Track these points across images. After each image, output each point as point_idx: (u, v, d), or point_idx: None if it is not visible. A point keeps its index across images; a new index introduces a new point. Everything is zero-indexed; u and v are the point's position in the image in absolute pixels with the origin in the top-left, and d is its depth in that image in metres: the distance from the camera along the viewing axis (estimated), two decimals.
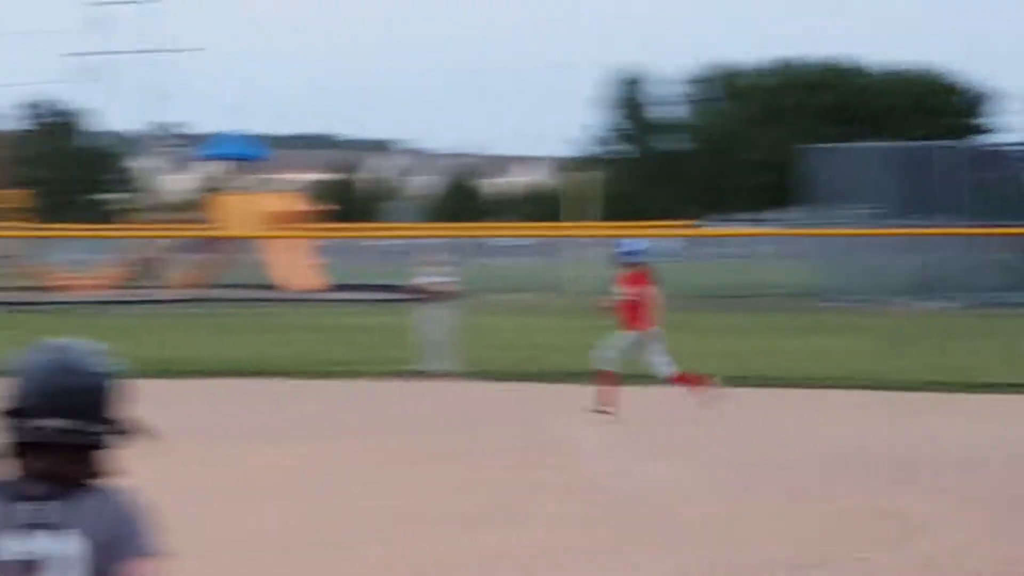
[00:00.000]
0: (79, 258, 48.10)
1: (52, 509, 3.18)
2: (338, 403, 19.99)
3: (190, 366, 23.65)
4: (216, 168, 56.39)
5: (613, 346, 17.29)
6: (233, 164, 55.83)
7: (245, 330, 32.72)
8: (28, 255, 45.32)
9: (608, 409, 17.15)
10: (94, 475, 3.24)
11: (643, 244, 17.80)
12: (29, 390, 3.19)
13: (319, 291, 46.89)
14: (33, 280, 45.16)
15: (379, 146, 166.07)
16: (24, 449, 3.20)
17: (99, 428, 3.21)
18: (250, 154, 51.67)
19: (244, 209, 47.85)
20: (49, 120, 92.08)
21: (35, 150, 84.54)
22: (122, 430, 3.26)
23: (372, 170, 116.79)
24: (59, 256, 59.83)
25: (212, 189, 51.34)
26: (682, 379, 17.45)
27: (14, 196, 47.44)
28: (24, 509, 3.17)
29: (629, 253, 17.39)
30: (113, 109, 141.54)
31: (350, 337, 30.20)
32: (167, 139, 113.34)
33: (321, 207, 53.97)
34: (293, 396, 20.60)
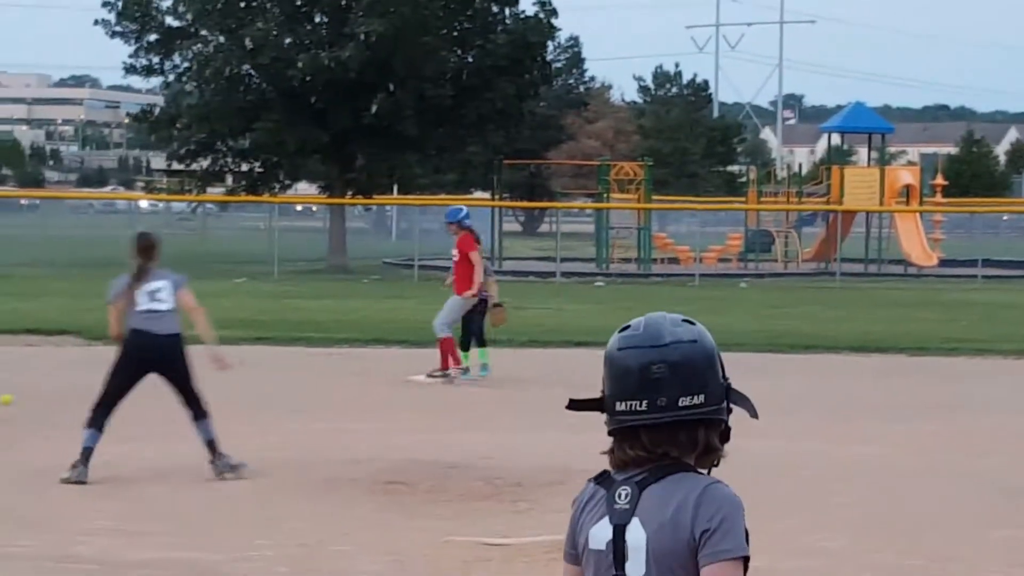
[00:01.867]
0: (697, 231, 49.15)
1: (641, 497, 3.00)
2: (964, 381, 19.41)
3: (804, 340, 23.64)
4: (838, 141, 55.95)
5: None
6: (857, 137, 55.37)
7: (860, 305, 32.41)
8: (644, 227, 46.71)
9: None
10: (700, 455, 3.05)
11: (463, 209, 18.78)
12: (610, 373, 3.06)
13: (936, 266, 45.93)
14: (646, 253, 46.54)
15: (1019, 118, 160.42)
16: (618, 437, 3.06)
17: (691, 401, 3.00)
18: (876, 127, 51.06)
19: (867, 182, 47.38)
20: (670, 91, 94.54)
21: (656, 121, 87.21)
22: (717, 408, 3.03)
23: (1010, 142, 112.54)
24: (676, 228, 61.48)
25: (834, 162, 50.96)
26: (444, 345, 17.95)
27: (632, 168, 49.07)
28: (615, 497, 3.03)
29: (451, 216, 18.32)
30: (733, 80, 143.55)
31: (970, 313, 29.34)
32: (786, 111, 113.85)
33: (941, 181, 52.66)
34: (914, 372, 20.21)
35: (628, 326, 3.09)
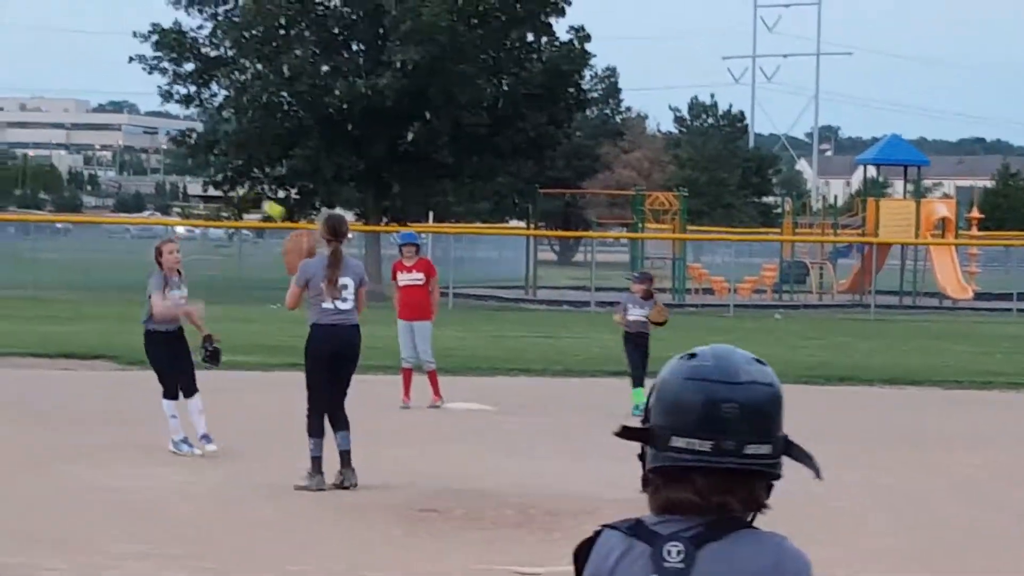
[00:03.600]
0: (732, 261, 49.05)
1: (697, 556, 2.68)
2: (999, 414, 19.26)
3: (838, 372, 23.52)
4: (873, 173, 55.77)
5: None
6: (892, 169, 55.23)
7: (894, 337, 32.25)
8: (679, 257, 46.65)
9: None
10: (750, 510, 2.76)
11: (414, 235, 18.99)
12: (670, 404, 2.77)
13: (970, 299, 45.71)
14: (680, 283, 46.44)
15: None
16: (664, 476, 2.77)
17: (757, 450, 2.73)
18: (911, 159, 50.89)
19: (903, 215, 47.20)
20: (706, 122, 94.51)
21: (692, 152, 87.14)
22: (783, 452, 2.76)
23: None
24: (711, 258, 61.38)
25: (869, 194, 50.79)
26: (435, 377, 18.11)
27: (667, 198, 49.03)
28: (663, 554, 2.70)
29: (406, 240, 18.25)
30: (768, 111, 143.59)
31: (1005, 347, 29.13)
32: (822, 143, 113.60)
33: (977, 214, 52.43)
34: (949, 405, 20.09)
35: (694, 354, 2.81)
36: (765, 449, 2.74)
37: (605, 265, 53.61)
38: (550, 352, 26.02)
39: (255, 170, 45.94)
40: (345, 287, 12.43)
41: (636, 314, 18.07)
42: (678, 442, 2.74)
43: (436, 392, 18.24)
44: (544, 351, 26.24)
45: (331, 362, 12.30)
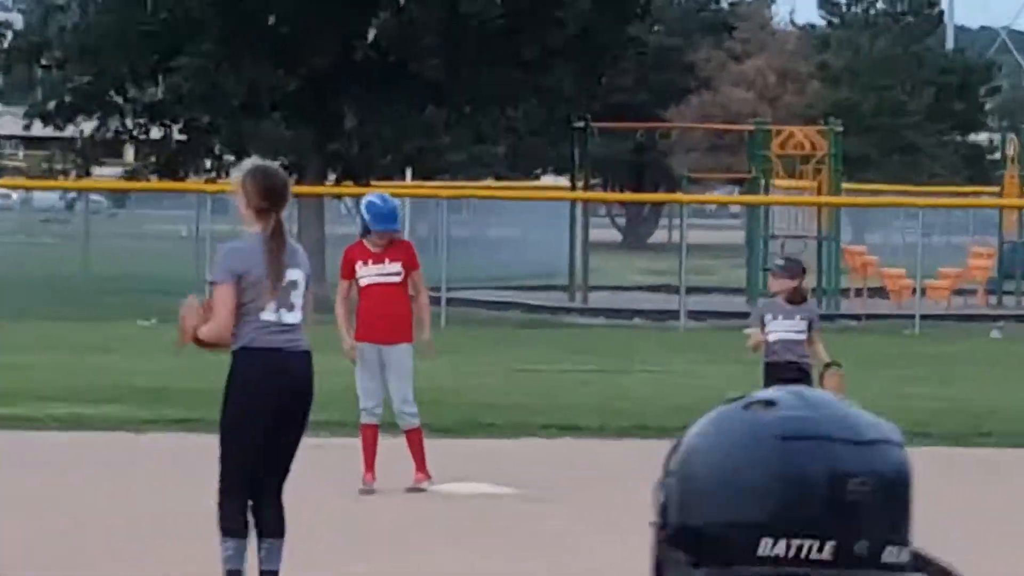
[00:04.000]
0: (918, 243, 48.84)
1: None
2: None
3: None
4: None
5: None
6: None
7: None
8: (828, 236, 46.46)
9: None
10: None
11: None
12: (748, 485, 2.78)
13: None
14: (831, 279, 46.35)
15: None
16: None
17: (896, 557, 2.77)
18: None
19: None
20: (872, 9, 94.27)
21: (850, 59, 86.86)
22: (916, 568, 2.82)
23: None
24: (882, 237, 61.28)
25: None
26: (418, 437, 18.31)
27: (809, 137, 48.80)
28: None
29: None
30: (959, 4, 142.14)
31: None
32: None
33: None
34: None
35: (772, 401, 2.84)
36: (905, 557, 2.78)
37: (702, 249, 53.65)
38: (611, 397, 26.00)
39: (111, 94, 46.00)
40: (294, 286, 12.47)
41: (783, 331, 18.09)
42: (772, 547, 2.75)
43: (421, 466, 18.27)
44: (602, 396, 26.33)
45: (275, 412, 12.42)
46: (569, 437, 22.48)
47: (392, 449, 18.14)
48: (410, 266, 18.20)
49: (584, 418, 23.59)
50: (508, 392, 26.57)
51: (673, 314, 41.82)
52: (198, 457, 20.11)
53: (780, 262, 20.24)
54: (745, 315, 42.94)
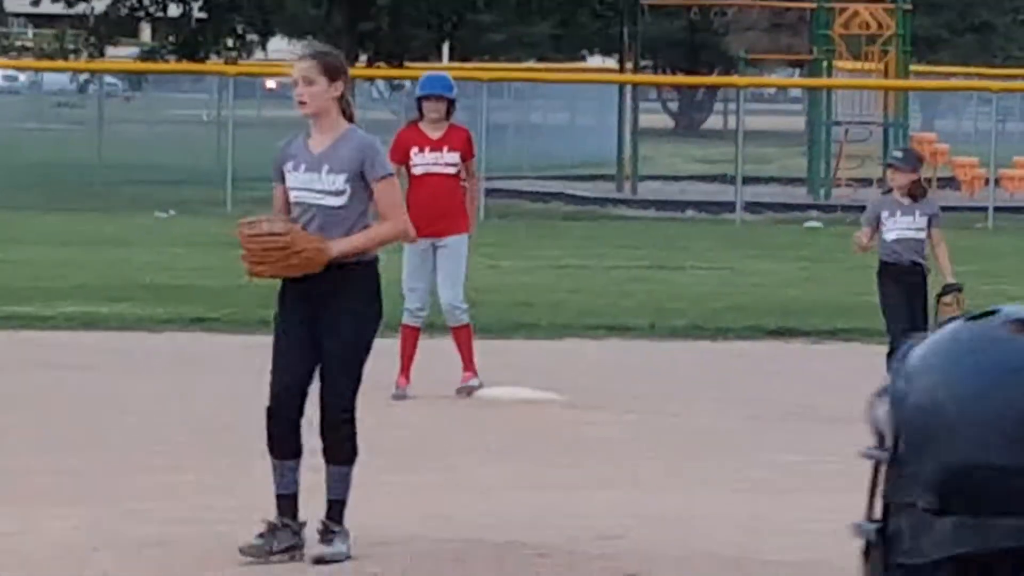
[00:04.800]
0: (993, 130, 48.67)
1: None
2: None
3: None
4: None
5: None
6: None
7: None
8: (895, 122, 46.37)
9: None
10: None
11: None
12: (981, 432, 2.60)
13: None
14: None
15: None
16: (983, 567, 2.71)
17: None
18: None
19: None
20: None
21: None
22: None
23: None
24: (953, 124, 61.21)
25: None
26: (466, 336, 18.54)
27: (875, 15, 48.60)
28: None
29: None
30: None
31: None
32: None
33: None
34: None
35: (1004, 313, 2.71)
36: None
37: (760, 136, 53.56)
38: (662, 296, 26.00)
39: None
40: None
41: (903, 229, 17.92)
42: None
43: (469, 364, 18.28)
44: (652, 295, 26.36)
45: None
46: (617, 338, 22.49)
47: (429, 351, 18.09)
48: (466, 155, 18.10)
49: (633, 318, 23.67)
50: (551, 290, 26.63)
51: (729, 206, 41.86)
52: (217, 357, 20.20)
53: (898, 154, 20.22)
54: (804, 208, 43.21)
